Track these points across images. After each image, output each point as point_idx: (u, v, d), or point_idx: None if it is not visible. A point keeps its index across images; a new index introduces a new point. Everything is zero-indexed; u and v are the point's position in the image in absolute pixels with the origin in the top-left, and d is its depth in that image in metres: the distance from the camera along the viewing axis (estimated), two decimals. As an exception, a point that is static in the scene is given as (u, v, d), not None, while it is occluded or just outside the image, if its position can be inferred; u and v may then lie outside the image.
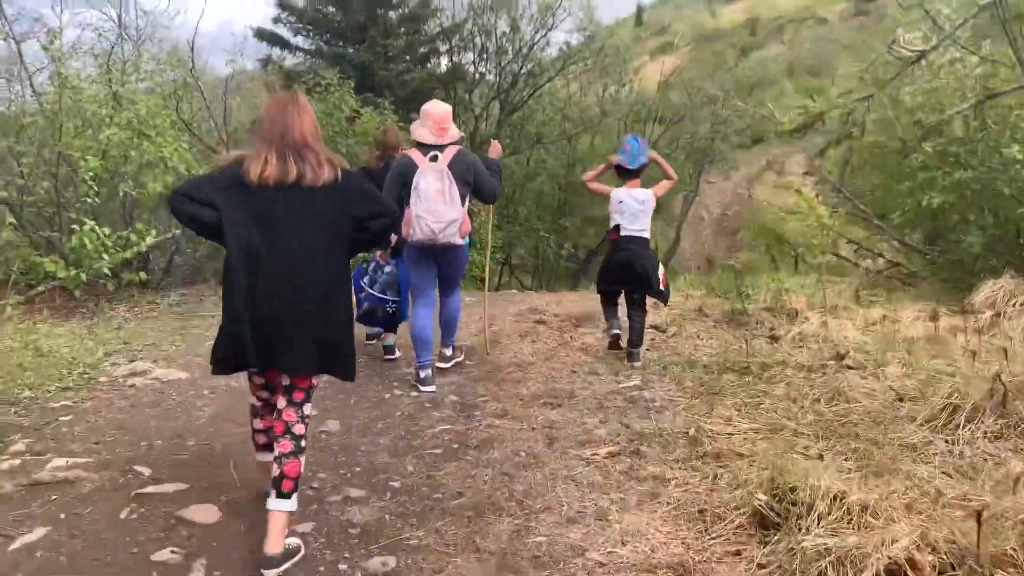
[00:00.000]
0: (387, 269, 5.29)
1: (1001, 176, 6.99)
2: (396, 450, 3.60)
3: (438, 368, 4.89)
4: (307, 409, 2.77)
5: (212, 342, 2.79)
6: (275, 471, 2.63)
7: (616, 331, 5.46)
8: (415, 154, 4.45)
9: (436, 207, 4.30)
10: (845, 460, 3.29)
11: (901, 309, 6.65)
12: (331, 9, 13.48)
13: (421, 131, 4.48)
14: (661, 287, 5.43)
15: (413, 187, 4.33)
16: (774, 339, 5.71)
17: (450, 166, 4.35)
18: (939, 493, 2.80)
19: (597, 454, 3.49)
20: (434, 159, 4.38)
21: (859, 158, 16.52)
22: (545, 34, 12.54)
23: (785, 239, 23.64)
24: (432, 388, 4.55)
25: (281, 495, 2.60)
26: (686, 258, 21.66)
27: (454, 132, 4.55)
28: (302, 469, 2.69)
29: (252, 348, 2.61)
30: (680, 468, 3.32)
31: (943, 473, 3.09)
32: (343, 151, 8.68)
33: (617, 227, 5.45)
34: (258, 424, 2.95)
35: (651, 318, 6.13)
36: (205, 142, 8.41)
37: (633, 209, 5.41)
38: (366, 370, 4.74)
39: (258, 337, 2.61)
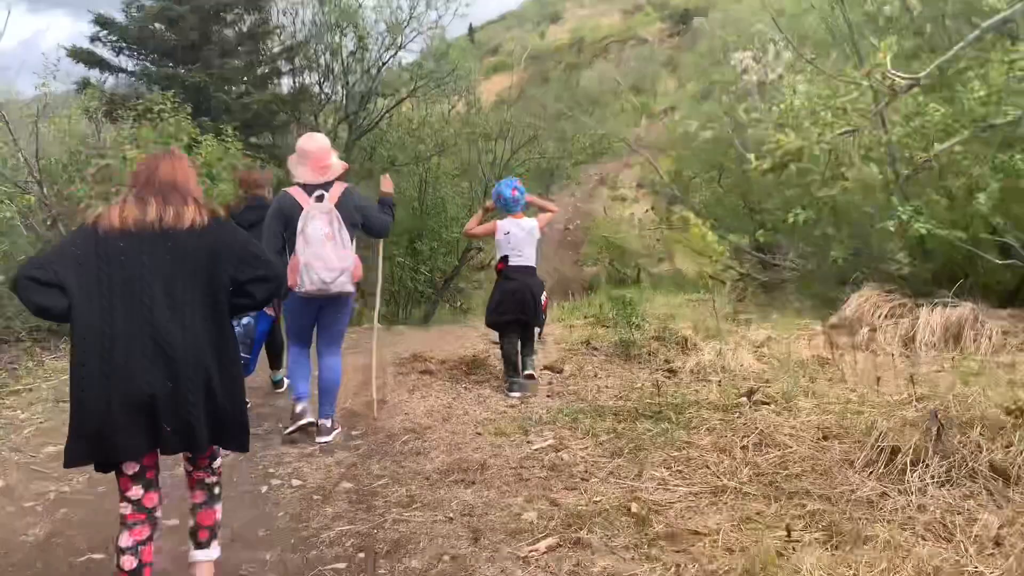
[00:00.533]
0: (244, 321, 4.60)
1: (857, 195, 7.22)
2: (288, 570, 2.91)
3: (319, 444, 4.20)
4: (217, 463, 2.59)
5: (32, 429, 2.15)
6: (189, 523, 2.53)
7: (517, 393, 5.19)
8: (298, 193, 3.99)
9: (326, 253, 3.85)
10: (806, 527, 2.99)
11: (779, 326, 6.66)
12: (158, 26, 12.10)
13: (301, 170, 4.05)
14: (542, 314, 5.53)
15: (299, 232, 3.86)
16: (672, 372, 5.47)
17: (337, 206, 3.94)
18: (937, 570, 2.52)
19: (535, 550, 2.96)
20: (320, 199, 3.94)
21: (693, 170, 17.26)
22: (395, 53, 11.97)
23: (627, 251, 24.26)
24: (327, 438, 4.25)
25: (200, 546, 2.50)
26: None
27: (337, 166, 4.11)
28: (219, 517, 2.57)
29: (123, 438, 2.23)
30: (634, 559, 2.86)
31: (920, 537, 2.84)
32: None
33: (505, 257, 5.48)
34: (126, 540, 2.34)
35: (543, 357, 5.84)
36: (11, 179, 7.08)
37: (520, 239, 5.45)
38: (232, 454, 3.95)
39: (127, 422, 2.23)
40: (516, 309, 5.35)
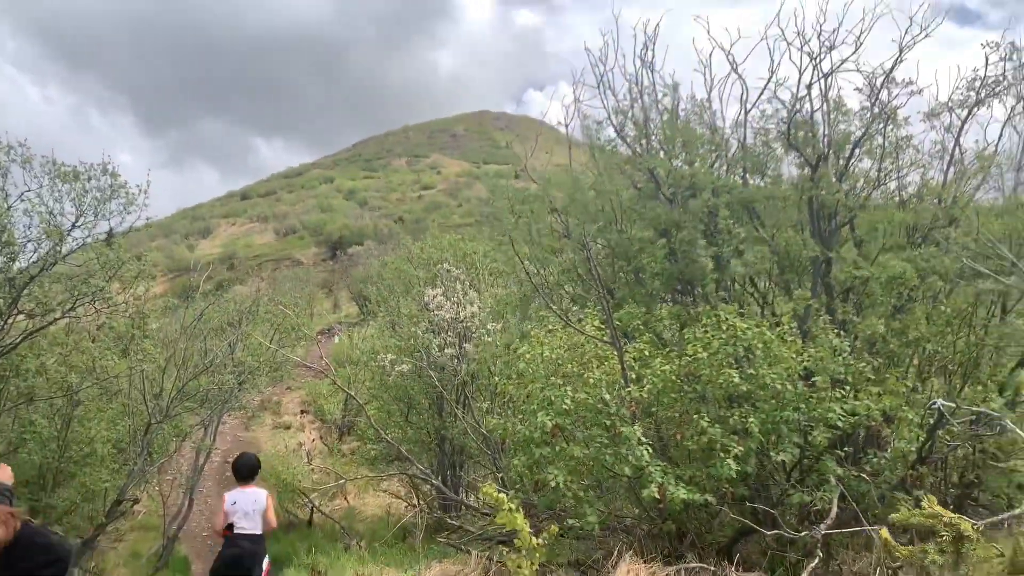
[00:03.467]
0: None
1: (608, 451, 7.04)
2: None
3: None
4: None
5: None
6: None
7: None
8: None
9: None
10: None
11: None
12: None
13: None
14: None
15: None
16: None
17: None
18: None
19: None
20: None
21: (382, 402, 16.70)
22: (53, 264, 9.84)
23: (297, 488, 22.10)
24: None
25: None
26: (193, 521, 18.50)
27: None
28: None
29: None
30: None
31: None
32: None
33: (231, 525, 5.91)
34: None
35: None
36: None
37: (246, 508, 5.92)
38: None
39: None
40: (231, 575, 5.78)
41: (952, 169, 9.42)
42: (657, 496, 6.22)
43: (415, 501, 15.75)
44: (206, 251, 63.94)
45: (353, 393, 16.18)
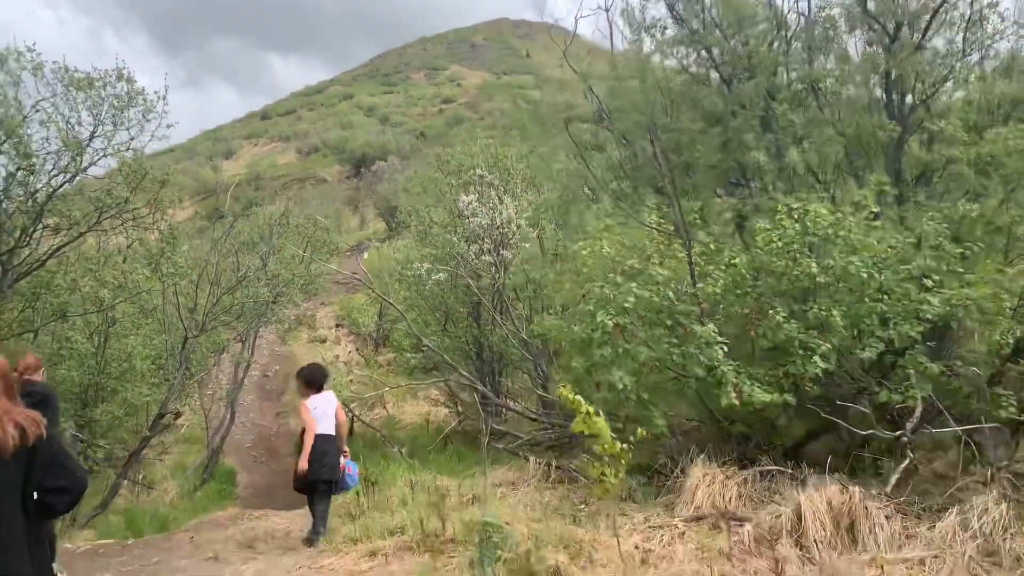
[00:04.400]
0: None
1: (676, 351, 6.54)
2: None
3: None
4: None
5: None
6: None
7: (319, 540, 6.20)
8: None
9: None
10: None
11: (635, 522, 5.56)
12: None
13: None
14: (343, 475, 6.60)
15: None
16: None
17: None
18: None
19: None
20: None
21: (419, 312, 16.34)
22: (72, 177, 9.38)
23: (337, 399, 21.94)
24: None
25: None
26: (235, 434, 18.63)
27: None
28: None
29: None
30: None
31: None
32: None
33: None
34: None
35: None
36: None
37: (323, 410, 6.55)
38: None
39: None
40: (325, 472, 6.35)
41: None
42: (735, 398, 5.74)
43: (456, 408, 15.61)
44: (231, 172, 63.41)
45: (390, 301, 15.77)
